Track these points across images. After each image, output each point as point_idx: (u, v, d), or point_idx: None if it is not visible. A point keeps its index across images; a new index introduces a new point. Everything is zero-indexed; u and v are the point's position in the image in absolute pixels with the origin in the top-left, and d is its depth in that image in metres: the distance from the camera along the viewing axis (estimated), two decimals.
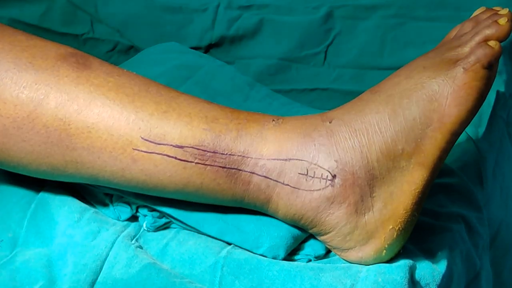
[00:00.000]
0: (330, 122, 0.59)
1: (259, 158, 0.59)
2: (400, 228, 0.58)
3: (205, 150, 0.59)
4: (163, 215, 0.63)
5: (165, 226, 0.63)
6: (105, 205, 0.65)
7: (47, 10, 0.95)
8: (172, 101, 0.60)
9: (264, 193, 0.60)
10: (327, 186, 0.58)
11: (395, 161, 0.57)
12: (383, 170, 0.58)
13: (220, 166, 0.59)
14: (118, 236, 0.61)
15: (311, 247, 0.62)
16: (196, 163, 0.59)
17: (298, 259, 0.62)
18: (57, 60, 0.60)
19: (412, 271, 0.58)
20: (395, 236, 0.58)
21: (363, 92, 0.61)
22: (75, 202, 0.63)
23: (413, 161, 0.57)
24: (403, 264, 0.58)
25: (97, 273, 0.58)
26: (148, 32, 0.95)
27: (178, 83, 0.79)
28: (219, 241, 0.62)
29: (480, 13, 0.62)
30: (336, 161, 0.58)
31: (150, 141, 0.58)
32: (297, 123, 0.60)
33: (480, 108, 0.58)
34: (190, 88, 0.79)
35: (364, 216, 0.58)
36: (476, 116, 0.58)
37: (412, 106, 0.57)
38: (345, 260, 0.60)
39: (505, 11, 0.60)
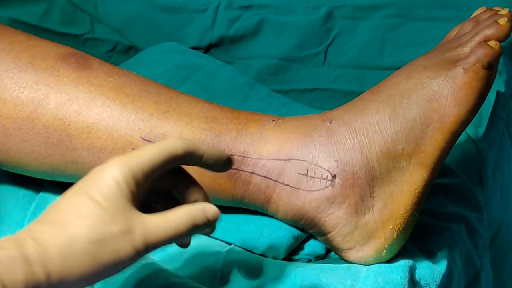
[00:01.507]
0: (330, 122, 0.60)
1: (259, 158, 0.59)
2: (400, 228, 0.58)
3: None
4: None
5: None
6: None
7: (47, 10, 0.95)
8: (172, 101, 0.60)
9: (264, 193, 0.60)
10: (327, 186, 0.58)
11: (395, 161, 0.57)
12: (383, 170, 0.58)
13: None
14: None
15: (311, 247, 0.62)
16: None
17: (298, 259, 0.62)
18: (57, 60, 0.60)
19: (412, 271, 0.58)
20: (395, 236, 0.58)
21: (363, 92, 0.61)
22: None
23: (413, 161, 0.57)
24: (403, 264, 0.58)
25: None
26: (148, 32, 0.95)
27: (178, 83, 0.79)
28: (219, 241, 0.62)
29: (480, 13, 0.62)
30: (336, 161, 0.58)
31: (150, 141, 0.58)
32: (297, 123, 0.60)
33: (480, 108, 0.58)
34: (190, 88, 0.79)
35: (364, 216, 0.58)
36: (476, 116, 0.58)
37: (412, 106, 0.57)
38: (345, 260, 0.60)
39: (505, 11, 0.60)
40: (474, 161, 0.73)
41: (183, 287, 0.57)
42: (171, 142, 0.47)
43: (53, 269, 0.41)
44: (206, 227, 0.47)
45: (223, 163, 0.50)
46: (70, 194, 0.45)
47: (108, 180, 0.45)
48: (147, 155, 0.46)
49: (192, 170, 0.59)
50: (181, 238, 0.46)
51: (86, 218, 0.43)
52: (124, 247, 0.43)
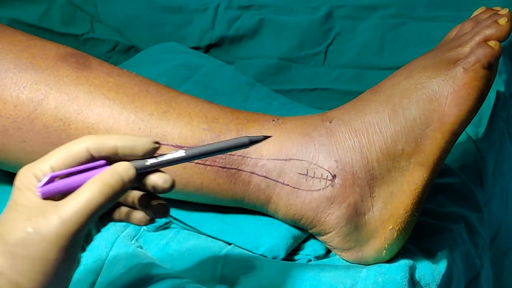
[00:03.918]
0: (330, 122, 0.60)
1: (259, 158, 0.59)
2: (400, 228, 0.58)
3: None
4: None
5: (165, 226, 0.63)
6: None
7: (47, 10, 0.95)
8: (172, 101, 0.60)
9: (264, 193, 0.60)
10: (327, 186, 0.58)
11: (395, 161, 0.57)
12: (383, 170, 0.58)
13: (220, 166, 0.59)
14: (118, 236, 0.61)
15: (311, 247, 0.62)
16: (196, 163, 0.59)
17: (298, 259, 0.62)
18: (57, 60, 0.60)
19: (412, 271, 0.58)
20: (395, 236, 0.58)
21: (363, 92, 0.61)
22: None
23: (413, 161, 0.57)
24: (403, 264, 0.58)
25: (97, 274, 0.58)
26: (148, 32, 0.95)
27: (178, 83, 0.79)
28: (219, 241, 0.62)
29: (480, 13, 0.62)
30: (336, 161, 0.58)
31: None
32: (297, 123, 0.60)
33: (480, 108, 0.58)
34: (190, 88, 0.79)
35: (364, 216, 0.58)
36: (476, 116, 0.58)
37: (412, 106, 0.57)
38: (345, 260, 0.60)
39: (505, 11, 0.60)
40: (474, 161, 0.73)
41: (183, 287, 0.57)
42: (75, 142, 0.46)
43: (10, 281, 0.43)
44: (124, 186, 0.45)
45: (144, 151, 0.46)
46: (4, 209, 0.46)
47: (14, 189, 0.45)
48: (49, 158, 0.45)
49: (191, 171, 0.59)
50: (103, 205, 0.45)
51: (7, 224, 0.44)
52: (47, 234, 0.43)
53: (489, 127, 0.77)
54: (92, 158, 0.46)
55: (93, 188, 0.44)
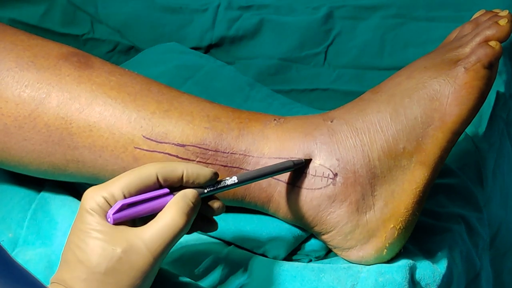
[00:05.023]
0: (331, 121, 0.60)
1: (260, 157, 0.59)
2: (401, 227, 0.58)
3: (206, 149, 0.59)
4: None
5: None
6: None
7: (47, 10, 0.95)
8: (174, 100, 0.60)
9: (265, 192, 0.60)
10: (329, 185, 0.58)
11: (397, 160, 0.58)
12: (384, 168, 0.58)
13: (222, 165, 0.59)
14: None
15: (312, 247, 0.62)
16: (197, 161, 0.59)
17: (299, 259, 0.62)
18: (59, 59, 0.60)
19: (412, 271, 0.58)
20: (396, 235, 0.58)
21: (363, 92, 0.62)
22: (76, 202, 0.64)
23: (414, 160, 0.57)
24: (404, 264, 0.58)
25: None
26: (149, 33, 0.95)
27: (179, 84, 0.79)
28: (219, 241, 0.62)
29: (480, 15, 0.63)
30: (337, 159, 0.58)
31: (152, 140, 0.59)
32: (298, 122, 0.61)
33: (480, 108, 0.58)
34: (191, 88, 0.79)
35: (365, 214, 0.58)
36: (476, 116, 0.58)
37: (414, 105, 0.57)
38: (345, 259, 0.60)
39: (505, 12, 0.60)
40: (474, 161, 0.73)
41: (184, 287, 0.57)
42: (144, 169, 0.50)
43: None
44: (195, 211, 0.51)
45: (206, 180, 0.52)
46: (70, 234, 0.49)
47: (83, 212, 0.49)
48: (119, 181, 0.49)
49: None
50: (183, 230, 0.50)
51: (90, 252, 0.47)
52: (135, 261, 0.47)
53: (489, 127, 0.77)
54: (158, 185, 0.50)
55: (173, 215, 0.49)
